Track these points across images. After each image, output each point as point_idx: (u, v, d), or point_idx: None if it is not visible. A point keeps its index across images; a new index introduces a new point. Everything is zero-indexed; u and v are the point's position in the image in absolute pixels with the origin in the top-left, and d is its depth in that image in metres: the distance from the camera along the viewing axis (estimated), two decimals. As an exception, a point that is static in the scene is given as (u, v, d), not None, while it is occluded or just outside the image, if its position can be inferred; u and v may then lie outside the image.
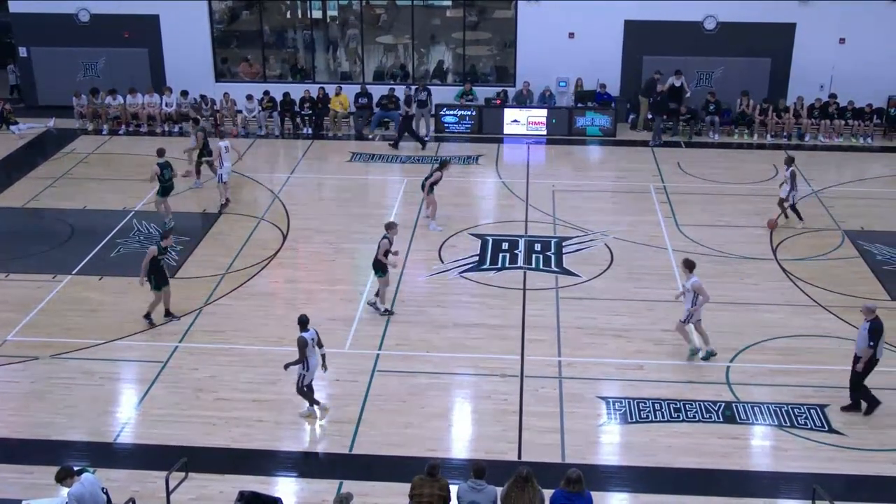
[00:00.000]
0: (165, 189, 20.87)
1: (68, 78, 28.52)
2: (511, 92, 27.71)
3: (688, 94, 26.79)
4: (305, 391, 14.15)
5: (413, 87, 26.76)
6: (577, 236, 20.30)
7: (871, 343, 13.89)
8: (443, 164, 20.99)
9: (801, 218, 20.72)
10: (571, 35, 27.59)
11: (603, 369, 15.44)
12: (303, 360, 13.90)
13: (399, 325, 16.75)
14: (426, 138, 26.42)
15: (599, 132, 26.83)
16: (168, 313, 16.91)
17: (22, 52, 29.03)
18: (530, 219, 21.23)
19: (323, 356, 14.20)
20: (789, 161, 20.82)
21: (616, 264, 19.05)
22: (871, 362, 14.06)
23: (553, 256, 19.37)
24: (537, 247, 19.81)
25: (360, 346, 16.12)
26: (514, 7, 27.87)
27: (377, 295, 17.18)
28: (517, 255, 19.46)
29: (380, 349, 16.00)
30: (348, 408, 14.41)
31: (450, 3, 29.52)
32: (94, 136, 26.81)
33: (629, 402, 14.52)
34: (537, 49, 27.68)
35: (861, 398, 14.28)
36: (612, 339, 16.33)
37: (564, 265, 19.00)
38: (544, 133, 26.76)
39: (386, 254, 16.87)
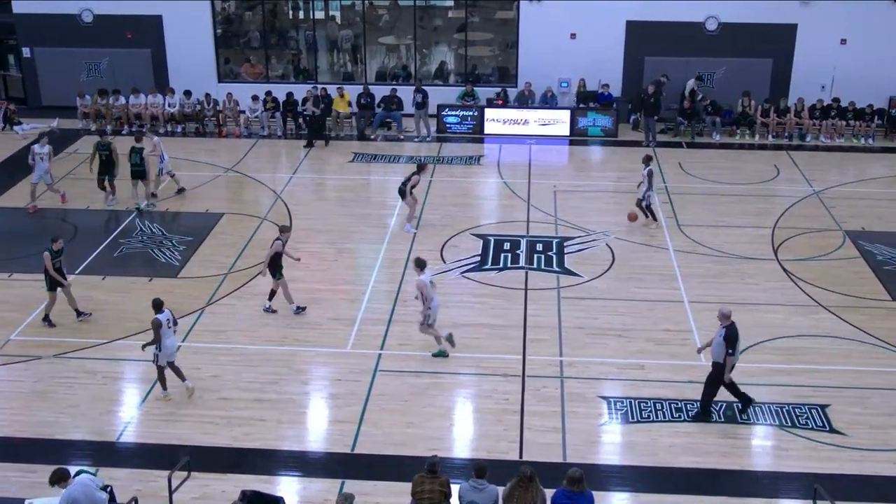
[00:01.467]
0: (136, 173, 21.71)
1: (72, 78, 28.54)
2: (513, 92, 27.71)
3: (699, 98, 26.76)
4: (159, 371, 14.57)
5: (318, 88, 26.84)
6: (579, 236, 20.30)
7: (730, 350, 13.71)
8: (420, 168, 20.94)
9: (655, 219, 20.73)
10: (573, 36, 27.59)
11: (604, 369, 15.43)
12: (157, 341, 14.33)
13: (401, 325, 16.75)
14: (427, 139, 26.42)
15: (601, 132, 26.83)
16: (79, 313, 16.88)
17: (25, 52, 29.04)
18: (532, 219, 21.22)
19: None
20: (647, 160, 20.75)
21: (617, 264, 19.05)
22: (729, 367, 13.88)
23: (554, 256, 19.37)
24: (539, 247, 19.81)
25: (362, 345, 16.12)
26: (516, 8, 27.86)
27: (269, 299, 17.12)
28: (519, 255, 19.46)
29: (382, 349, 16.00)
30: (350, 407, 14.42)
31: (452, 3, 29.52)
32: (97, 137, 26.73)
33: (630, 402, 14.52)
34: (539, 49, 27.68)
35: (737, 397, 14.18)
36: (614, 338, 16.33)
37: (566, 265, 19.00)
38: (547, 133, 26.75)
39: (278, 256, 16.78)
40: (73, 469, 11.38)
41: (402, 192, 20.56)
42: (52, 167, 22.02)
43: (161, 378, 14.68)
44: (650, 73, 27.12)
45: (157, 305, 14.56)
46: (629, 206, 21.77)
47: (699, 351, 14.73)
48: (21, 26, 28.88)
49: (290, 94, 27.06)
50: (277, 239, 16.95)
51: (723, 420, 14.12)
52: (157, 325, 14.35)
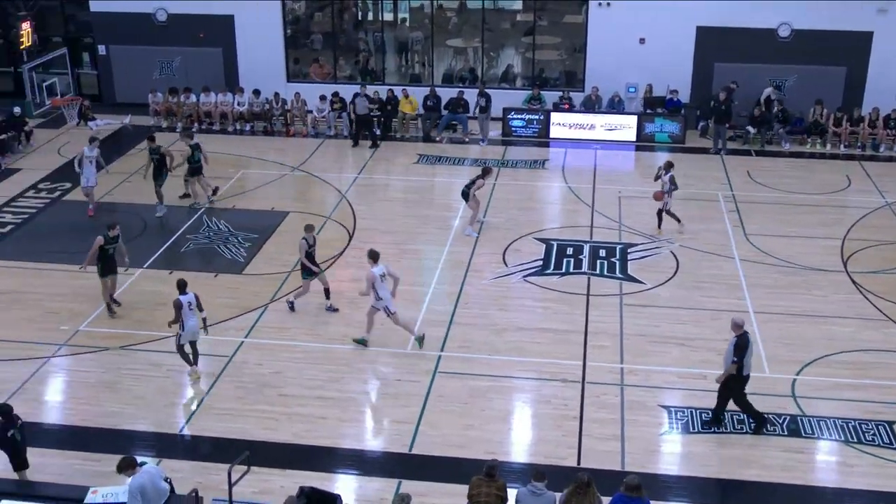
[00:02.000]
0: (194, 170, 21.87)
1: (145, 76, 29.10)
2: (579, 97, 27.57)
3: (775, 106, 26.35)
4: (180, 350, 15.10)
5: (366, 87, 27.06)
6: (643, 243, 20.13)
7: (735, 359, 13.51)
8: (486, 171, 20.88)
9: (679, 220, 20.57)
10: (642, 40, 27.37)
11: (665, 378, 15.28)
12: (178, 320, 14.86)
13: (461, 328, 16.77)
14: (482, 143, 26.41)
15: (668, 139, 26.57)
16: (112, 300, 17.29)
17: (101, 50, 29.70)
18: (596, 224, 21.10)
19: (204, 319, 15.20)
20: (668, 166, 20.49)
21: (682, 272, 18.84)
22: (740, 378, 13.68)
23: (618, 263, 19.23)
24: (602, 253, 19.68)
25: (423, 346, 16.15)
26: (585, 11, 27.73)
27: (327, 297, 17.31)
28: (582, 260, 19.35)
29: (441, 350, 16.04)
30: (409, 408, 14.47)
31: (520, 6, 29.48)
32: (168, 134, 27.28)
33: (692, 412, 14.34)
34: (607, 54, 27.51)
35: (749, 416, 13.93)
36: (676, 347, 16.16)
37: (629, 272, 18.85)
38: (613, 139, 26.57)
39: (308, 256, 16.87)
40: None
41: (465, 195, 20.59)
42: (99, 171, 22.15)
43: (183, 356, 15.24)
44: (720, 79, 26.78)
45: (181, 286, 15.12)
46: (696, 214, 21.55)
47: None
48: (97, 24, 29.53)
49: (356, 95, 27.22)
50: (303, 238, 17.03)
51: (786, 433, 13.89)
52: (177, 306, 14.91)
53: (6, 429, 12.42)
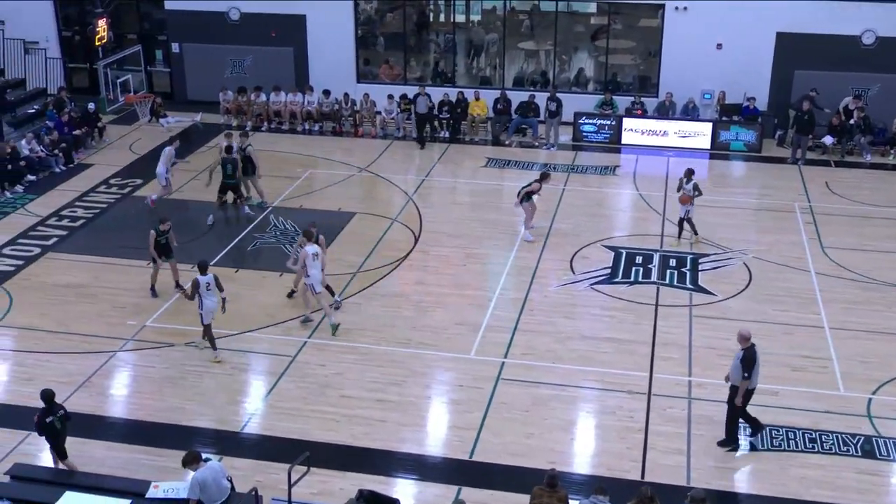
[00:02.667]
0: (247, 170, 22.00)
1: (216, 74, 29.57)
2: (652, 102, 27.32)
3: (855, 116, 25.81)
4: (207, 330, 15.89)
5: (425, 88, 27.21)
6: (715, 254, 19.85)
7: (746, 374, 13.22)
8: (543, 176, 20.77)
9: (696, 232, 20.20)
10: (719, 46, 27.02)
11: (735, 392, 15.03)
12: (193, 297, 15.79)
13: (526, 335, 16.72)
14: (551, 148, 26.30)
15: (744, 147, 26.18)
16: (177, 285, 18.04)
17: (174, 47, 30.25)
18: (666, 233, 20.87)
19: (223, 300, 15.87)
20: (689, 174, 20.16)
21: (754, 285, 18.54)
22: (748, 392, 13.40)
23: (688, 273, 19.00)
24: (672, 262, 19.46)
25: (485, 353, 16.16)
26: (661, 15, 27.47)
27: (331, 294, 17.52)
28: (651, 269, 19.17)
29: (505, 357, 16.01)
30: (471, 414, 14.46)
31: (594, 10, 29.33)
32: (237, 132, 27.61)
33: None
34: (682, 59, 27.22)
35: (746, 422, 13.71)
36: (747, 361, 15.89)
37: (699, 283, 18.61)
38: (687, 146, 26.28)
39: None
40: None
41: (519, 195, 20.51)
42: (173, 170, 22.50)
43: (210, 337, 15.98)
44: (799, 87, 26.30)
45: (202, 267, 15.95)
46: (771, 225, 21.24)
47: (727, 379, 13.98)
48: (172, 22, 30.10)
49: (417, 95, 27.31)
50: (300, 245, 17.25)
51: (860, 454, 13.57)
52: (195, 285, 15.81)
53: (45, 416, 12.77)
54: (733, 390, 13.52)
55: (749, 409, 13.63)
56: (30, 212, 22.25)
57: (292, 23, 29.11)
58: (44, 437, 12.89)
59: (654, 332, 16.81)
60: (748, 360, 13.28)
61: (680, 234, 20.26)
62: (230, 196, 21.62)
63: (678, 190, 20.38)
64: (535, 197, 20.59)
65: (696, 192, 20.01)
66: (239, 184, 21.61)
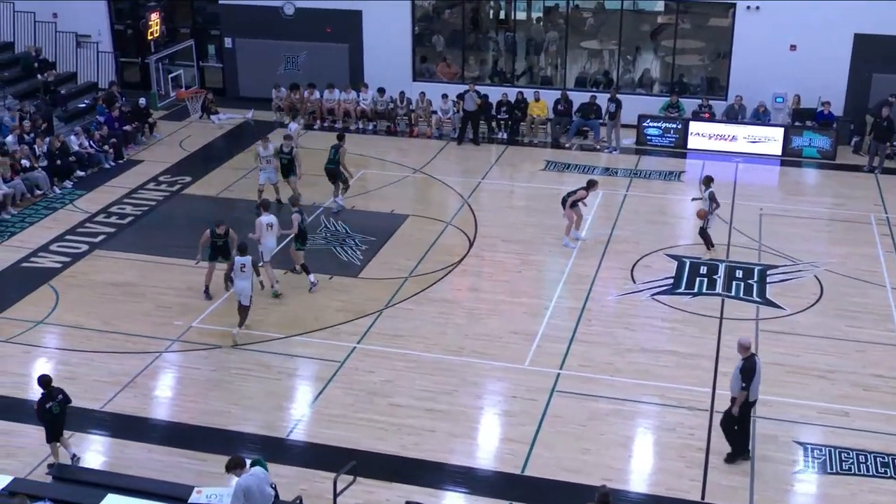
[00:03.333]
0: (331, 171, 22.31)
1: (269, 70, 29.86)
2: (721, 106, 27.05)
3: None
4: (241, 310, 16.78)
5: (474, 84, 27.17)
6: (784, 265, 19.58)
7: (744, 384, 13.06)
8: (590, 184, 20.54)
9: (710, 245, 19.94)
10: (793, 47, 26.67)
11: (802, 412, 14.81)
12: (228, 275, 17.29)
13: (583, 346, 16.63)
14: (613, 152, 26.14)
15: (817, 154, 25.79)
16: (206, 291, 18.38)
17: (227, 42, 30.62)
18: (733, 243, 20.64)
19: (262, 282, 17.89)
20: (708, 181, 19.92)
21: (825, 299, 18.25)
22: (747, 405, 13.21)
23: (755, 285, 18.77)
24: (738, 273, 19.24)
25: (540, 363, 16.10)
26: (732, 15, 27.19)
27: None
28: (716, 280, 18.97)
29: (561, 368, 15.94)
30: (524, 427, 14.42)
31: (662, 8, 29.12)
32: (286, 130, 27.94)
33: (830, 451, 13.87)
34: (754, 60, 26.90)
35: (729, 441, 13.58)
36: (816, 379, 15.65)
37: (767, 296, 18.37)
38: (757, 152, 25.97)
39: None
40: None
41: (564, 202, 20.35)
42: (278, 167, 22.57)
43: (241, 317, 16.76)
44: (878, 92, 25.85)
45: (242, 249, 16.79)
46: (844, 236, 20.90)
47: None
48: (225, 16, 30.47)
49: (484, 97, 27.34)
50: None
51: (936, 481, 13.29)
52: (231, 264, 16.96)
53: (45, 402, 13.17)
54: (733, 401, 13.43)
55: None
56: (78, 208, 22.67)
57: (348, 19, 29.30)
58: (44, 423, 13.28)
59: (718, 346, 16.63)
60: (747, 370, 13.20)
61: (708, 244, 20.03)
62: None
63: (693, 200, 20.14)
64: (581, 204, 20.37)
65: (714, 204, 19.73)
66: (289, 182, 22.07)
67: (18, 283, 19.03)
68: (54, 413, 13.20)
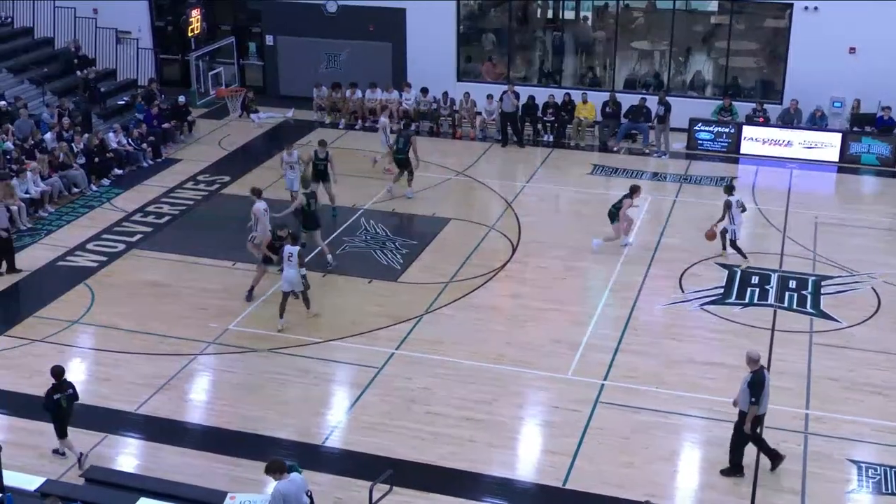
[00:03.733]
0: (400, 161, 22.94)
1: (310, 69, 30.05)
2: (776, 110, 26.80)
3: None
4: (283, 298, 17.32)
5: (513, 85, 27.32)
6: (840, 276, 19.36)
7: (753, 399, 13.00)
8: (633, 189, 20.26)
9: (744, 256, 19.73)
10: (852, 50, 26.38)
11: (857, 429, 14.63)
12: (272, 262, 17.93)
13: (628, 356, 16.54)
14: (662, 156, 26.00)
15: (876, 161, 25.48)
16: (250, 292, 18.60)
17: (269, 40, 30.86)
18: (786, 252, 20.44)
19: (304, 276, 17.30)
20: (728, 190, 19.81)
21: (883, 312, 18.01)
22: (756, 418, 13.09)
23: (809, 296, 18.58)
24: (792, 284, 19.06)
25: (584, 373, 16.05)
26: (789, 16, 26.94)
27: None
28: (768, 291, 18.79)
29: (605, 379, 15.87)
30: (566, 438, 14.37)
31: (715, 8, 28.92)
32: (330, 130, 28.12)
33: (885, 470, 13.68)
34: (811, 63, 26.62)
35: (764, 453, 13.58)
36: (871, 395, 15.45)
37: (822, 307, 18.17)
38: (813, 158, 25.71)
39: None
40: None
41: (612, 216, 20.12)
42: (300, 174, 22.74)
43: (280, 307, 17.26)
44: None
45: (294, 238, 17.45)
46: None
47: (735, 403, 13.70)
48: (266, 14, 30.71)
49: (530, 98, 27.32)
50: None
51: None
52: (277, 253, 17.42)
53: (53, 392, 13.39)
54: (741, 416, 13.36)
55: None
56: (115, 206, 22.95)
57: (391, 17, 29.40)
58: (49, 414, 13.47)
59: (770, 359, 16.46)
60: (756, 383, 13.12)
61: (742, 254, 19.79)
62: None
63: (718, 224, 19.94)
64: (628, 210, 20.20)
65: (739, 209, 19.60)
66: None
67: (54, 281, 19.31)
68: (62, 406, 13.43)
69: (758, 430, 13.47)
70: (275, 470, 11.46)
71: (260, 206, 18.88)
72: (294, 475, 11.54)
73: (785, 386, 15.65)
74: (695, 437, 14.57)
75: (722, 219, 19.80)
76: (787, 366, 16.26)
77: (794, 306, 18.26)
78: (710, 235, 19.96)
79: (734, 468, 13.60)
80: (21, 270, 19.58)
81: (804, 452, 14.07)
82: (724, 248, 19.98)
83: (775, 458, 13.63)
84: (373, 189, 23.33)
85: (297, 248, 17.20)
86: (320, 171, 21.99)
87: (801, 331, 17.41)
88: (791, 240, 21.00)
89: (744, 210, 20.08)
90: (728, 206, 19.66)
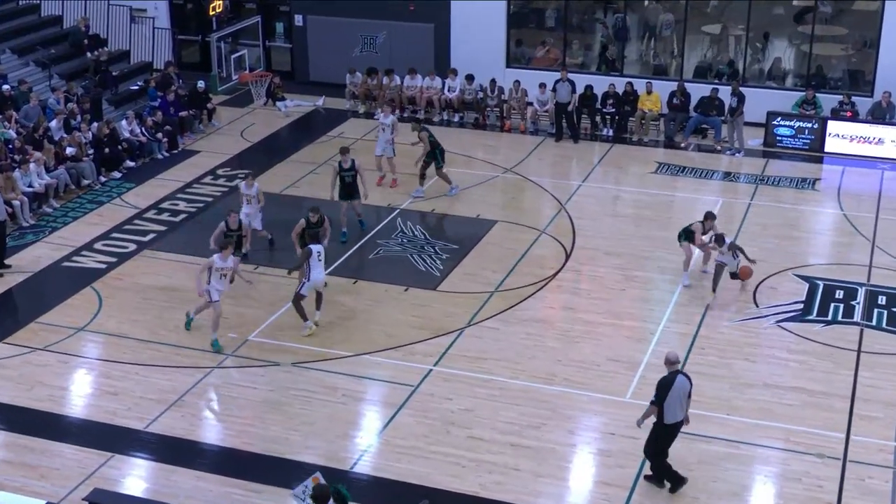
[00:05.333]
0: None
1: (344, 53, 30.16)
2: (866, 103, 26.58)
3: None
4: (297, 302, 17.41)
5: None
6: (936, 292, 19.19)
7: (654, 398, 13.25)
8: (707, 217, 19.33)
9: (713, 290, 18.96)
10: (953, 37, 26.17)
11: (953, 463, 14.50)
12: (302, 267, 17.50)
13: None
14: (736, 154, 25.84)
15: (979, 162, 25.24)
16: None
17: (298, 20, 31.02)
18: (875, 264, 20.27)
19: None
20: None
21: (985, 333, 17.84)
22: (661, 426, 13.33)
23: (901, 314, 18.47)
24: (881, 300, 18.89)
25: (644, 396, 15.90)
26: (882, -2, 26.77)
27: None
28: (854, 307, 18.65)
29: (668, 403, 15.80)
30: (622, 469, 14.33)
31: (799, -11, 28.78)
32: (365, 120, 28.21)
33: (985, 512, 13.54)
34: (906, 52, 26.44)
35: (661, 475, 13.67)
36: (970, 426, 15.30)
37: (915, 327, 18.05)
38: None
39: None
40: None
41: (683, 237, 19.49)
42: (395, 137, 23.41)
43: (299, 310, 17.42)
44: None
45: (314, 236, 17.77)
46: None
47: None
48: (296, -9, 30.94)
49: (588, 88, 27.26)
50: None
51: None
52: (306, 255, 17.38)
53: None
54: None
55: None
56: (127, 202, 23.19)
57: (433, -5, 29.51)
58: None
59: (855, 384, 16.35)
60: (662, 385, 13.31)
61: (714, 287, 19.04)
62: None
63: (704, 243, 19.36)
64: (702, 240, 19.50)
65: (712, 243, 18.99)
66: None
67: (59, 284, 19.56)
68: None
69: (662, 444, 13.58)
70: (323, 499, 11.59)
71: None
72: None
73: (872, 414, 15.55)
74: (769, 471, 14.48)
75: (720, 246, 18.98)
76: (875, 392, 16.12)
77: (884, 325, 18.11)
78: (745, 273, 19.08)
79: (658, 478, 13.83)
80: (10, 266, 19.81)
81: (893, 490, 13.94)
82: (714, 289, 19.09)
83: (677, 481, 13.70)
84: (410, 187, 23.37)
85: (322, 246, 17.80)
86: (347, 184, 20.94)
87: (892, 353, 17.26)
88: (881, 250, 20.82)
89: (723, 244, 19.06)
90: (720, 239, 18.83)
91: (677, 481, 13.76)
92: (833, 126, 26.19)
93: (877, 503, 13.72)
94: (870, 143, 25.90)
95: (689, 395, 13.64)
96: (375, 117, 24.40)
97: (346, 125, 27.89)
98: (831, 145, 26.17)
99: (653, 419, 13.56)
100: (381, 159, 23.66)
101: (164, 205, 23.07)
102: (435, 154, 23.04)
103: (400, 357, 17.05)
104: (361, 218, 21.56)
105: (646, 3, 30.16)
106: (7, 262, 19.92)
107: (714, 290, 18.87)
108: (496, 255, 20.58)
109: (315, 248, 17.45)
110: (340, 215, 20.87)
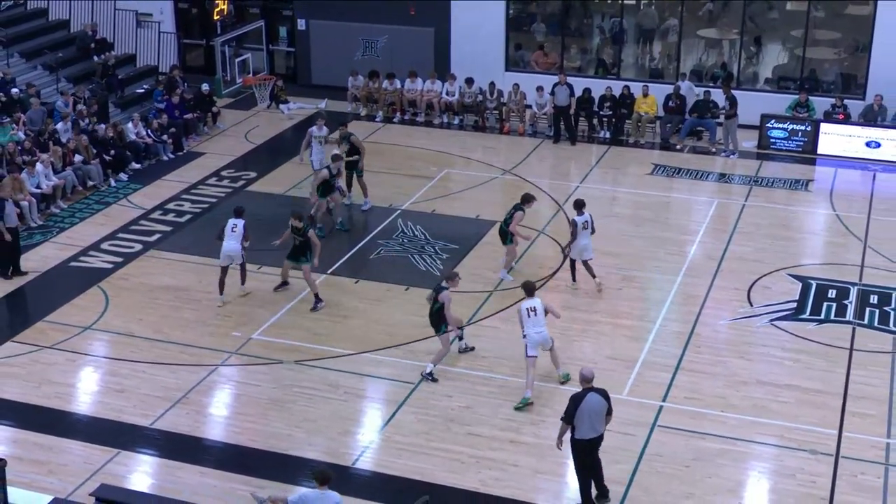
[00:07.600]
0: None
1: (345, 56, 30.16)
2: (858, 106, 26.56)
3: None
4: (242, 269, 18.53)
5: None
6: (928, 291, 19.18)
7: (564, 416, 13.03)
8: (525, 200, 19.57)
9: (573, 279, 19.13)
10: (944, 40, 26.16)
11: (944, 461, 14.48)
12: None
13: (690, 375, 16.46)
14: (731, 156, 25.83)
15: (970, 164, 25.23)
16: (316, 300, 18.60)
17: (300, 24, 31.01)
18: (867, 263, 20.25)
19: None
20: (578, 206, 18.98)
21: (975, 332, 17.83)
22: (575, 442, 13.10)
23: (893, 313, 18.41)
24: (873, 299, 18.88)
25: (640, 393, 15.99)
26: (873, 2, 26.70)
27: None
28: (847, 306, 18.63)
29: (664, 400, 15.80)
30: (619, 465, 14.31)
31: (792, -7, 28.78)
32: (366, 123, 28.23)
33: (976, 508, 13.52)
34: (897, 55, 26.43)
35: (581, 489, 13.36)
36: (962, 425, 15.29)
37: (907, 325, 18.03)
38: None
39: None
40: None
41: (504, 235, 19.45)
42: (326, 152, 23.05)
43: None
44: None
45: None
46: None
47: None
48: (299, -4, 30.92)
49: (586, 91, 27.25)
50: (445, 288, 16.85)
51: None
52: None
53: None
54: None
55: None
56: (133, 203, 23.19)
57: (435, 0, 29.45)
58: None
59: (847, 381, 16.34)
60: (571, 400, 13.08)
61: (573, 275, 19.26)
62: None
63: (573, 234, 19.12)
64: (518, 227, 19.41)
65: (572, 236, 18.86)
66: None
67: (66, 283, 19.55)
68: None
69: (577, 462, 13.34)
70: (322, 481, 11.56)
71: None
72: (331, 493, 11.57)
73: (865, 412, 15.54)
74: (763, 467, 14.47)
75: (572, 241, 19.02)
76: (868, 390, 16.11)
77: (876, 323, 18.10)
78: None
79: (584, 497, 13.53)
80: (27, 273, 19.81)
81: (884, 486, 13.93)
82: (574, 277, 19.23)
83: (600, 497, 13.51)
84: (412, 188, 23.35)
85: (243, 220, 18.52)
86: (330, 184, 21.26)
87: (884, 351, 17.25)
88: (873, 250, 20.81)
89: (593, 231, 19.03)
90: (574, 225, 18.89)
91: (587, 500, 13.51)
92: (826, 128, 26.16)
93: (869, 499, 13.70)
94: (862, 145, 25.88)
95: (609, 412, 13.23)
96: (309, 130, 23.74)
97: (348, 128, 27.81)
98: (824, 147, 26.13)
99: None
100: (318, 174, 22.36)
101: (170, 205, 23.07)
102: (356, 161, 22.44)
103: (401, 355, 17.04)
104: (341, 220, 21.78)
105: (642, 7, 30.12)
106: (23, 269, 19.88)
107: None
108: (495, 256, 20.53)
109: (231, 221, 18.49)
110: (335, 209, 21.53)
